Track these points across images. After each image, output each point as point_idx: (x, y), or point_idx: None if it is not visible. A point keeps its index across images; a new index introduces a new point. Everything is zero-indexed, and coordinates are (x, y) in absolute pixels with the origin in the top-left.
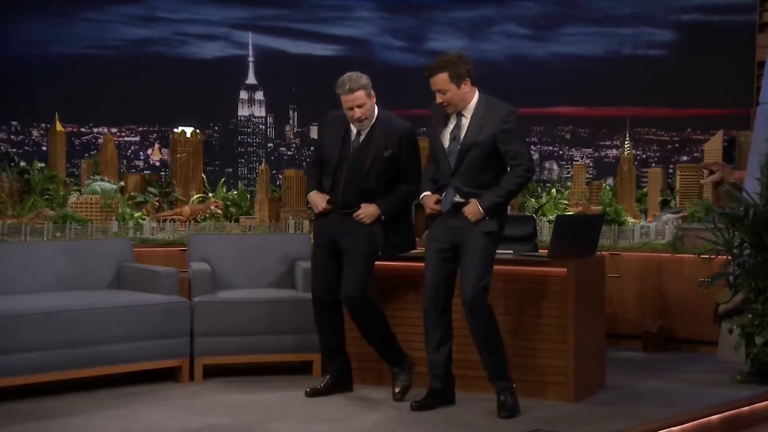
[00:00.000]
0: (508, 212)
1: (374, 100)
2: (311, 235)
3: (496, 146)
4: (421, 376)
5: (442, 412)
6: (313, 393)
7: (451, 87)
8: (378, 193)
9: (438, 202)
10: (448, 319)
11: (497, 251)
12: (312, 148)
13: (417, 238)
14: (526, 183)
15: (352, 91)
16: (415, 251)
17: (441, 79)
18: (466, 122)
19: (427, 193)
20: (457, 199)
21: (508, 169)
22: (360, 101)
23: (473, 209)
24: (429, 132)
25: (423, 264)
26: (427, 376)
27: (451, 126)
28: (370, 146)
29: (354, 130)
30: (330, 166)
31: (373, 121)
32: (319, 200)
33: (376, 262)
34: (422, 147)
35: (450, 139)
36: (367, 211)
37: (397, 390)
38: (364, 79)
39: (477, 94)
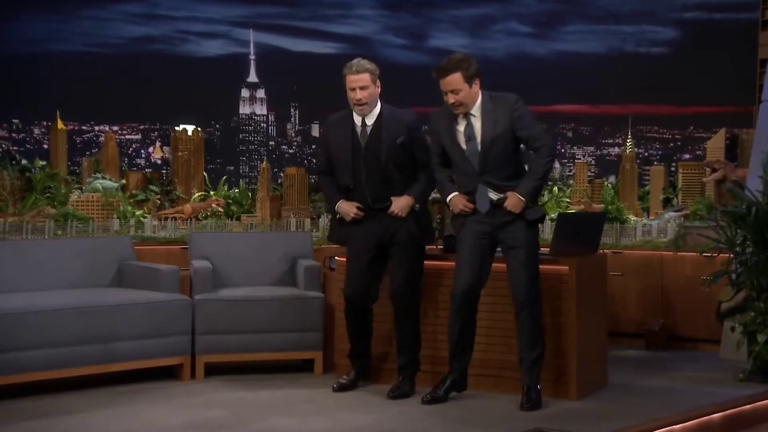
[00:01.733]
0: None
1: (379, 90)
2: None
3: (513, 136)
4: (426, 375)
5: (444, 410)
6: (341, 387)
7: (464, 87)
8: (399, 181)
9: (468, 201)
10: (475, 313)
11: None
12: (313, 147)
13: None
14: (553, 161)
15: (357, 71)
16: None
17: (455, 80)
18: (477, 121)
19: (455, 193)
20: (493, 195)
21: (531, 153)
22: (363, 83)
23: (514, 201)
24: (437, 137)
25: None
26: (428, 375)
27: (461, 127)
28: (381, 136)
29: (359, 123)
30: (345, 164)
31: (377, 112)
32: (348, 208)
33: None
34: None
35: (466, 140)
36: (401, 204)
37: (392, 394)
38: (372, 65)
39: (480, 92)
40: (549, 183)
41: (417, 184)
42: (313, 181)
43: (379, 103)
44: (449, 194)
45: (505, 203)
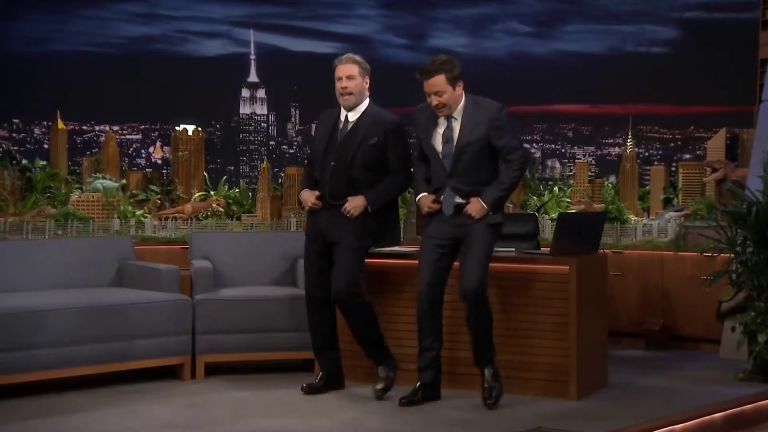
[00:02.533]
0: (509, 210)
1: (367, 86)
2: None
3: (489, 143)
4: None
5: (439, 409)
6: (309, 389)
7: (447, 89)
8: (364, 183)
9: (435, 202)
10: (441, 315)
11: (499, 249)
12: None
13: (418, 236)
14: (522, 174)
15: (346, 62)
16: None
17: (438, 81)
18: (456, 124)
19: (424, 193)
20: (459, 200)
21: (503, 163)
22: (351, 72)
23: (477, 206)
24: (417, 135)
25: (414, 261)
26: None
27: (441, 128)
28: (356, 134)
29: (343, 119)
30: (318, 157)
31: (362, 109)
32: (307, 196)
33: (367, 259)
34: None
35: (443, 141)
36: (354, 204)
37: (378, 387)
38: (363, 60)
39: (464, 95)
40: (550, 183)
41: (378, 187)
42: None
43: (366, 102)
44: (419, 194)
45: (467, 207)
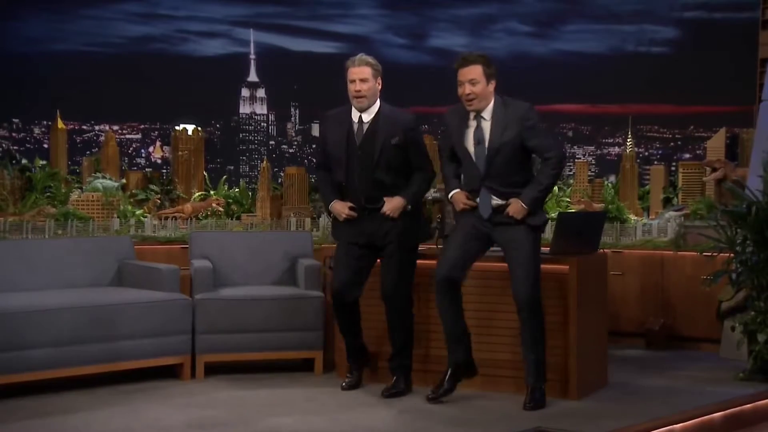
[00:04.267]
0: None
1: (380, 86)
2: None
3: (522, 144)
4: (418, 375)
5: (445, 410)
6: (349, 386)
7: (482, 80)
8: (391, 183)
9: (469, 198)
10: (460, 294)
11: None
12: (314, 146)
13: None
14: (561, 172)
15: (359, 64)
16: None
17: (476, 70)
18: (487, 125)
19: (457, 190)
20: (497, 201)
21: (541, 163)
22: (364, 75)
23: (517, 207)
24: (448, 137)
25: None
26: (421, 374)
27: (471, 129)
28: (376, 136)
29: (356, 120)
30: (340, 162)
31: (376, 109)
32: (341, 208)
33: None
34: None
35: (474, 143)
36: (393, 205)
37: (386, 393)
38: (375, 61)
39: (494, 95)
40: None
41: (410, 185)
42: (313, 180)
43: (378, 102)
44: (452, 191)
45: (508, 209)
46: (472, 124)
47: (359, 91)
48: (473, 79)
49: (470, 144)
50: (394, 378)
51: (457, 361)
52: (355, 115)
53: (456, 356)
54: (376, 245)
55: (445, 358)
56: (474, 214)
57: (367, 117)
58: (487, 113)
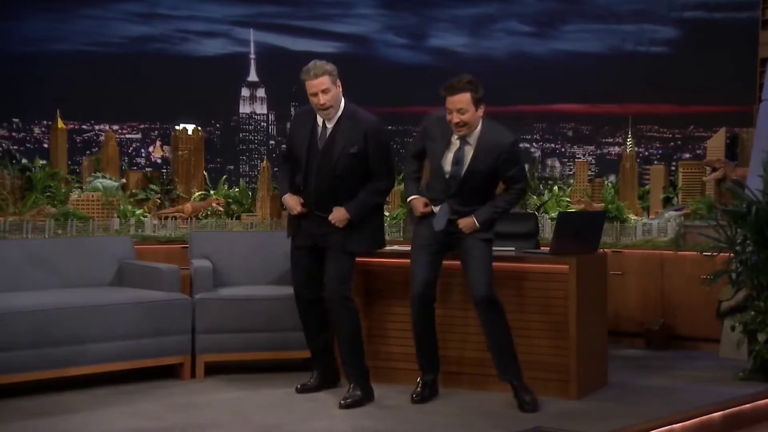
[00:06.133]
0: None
1: (340, 89)
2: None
3: (496, 172)
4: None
5: (444, 409)
6: (304, 389)
7: (471, 108)
8: (348, 191)
9: (426, 205)
10: (434, 311)
11: (499, 248)
12: None
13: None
14: (518, 203)
15: (316, 76)
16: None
17: (464, 99)
18: (470, 150)
19: (416, 195)
20: (452, 216)
21: (505, 188)
22: (324, 86)
23: (469, 223)
24: (423, 142)
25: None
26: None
27: (453, 148)
28: (335, 143)
29: (320, 123)
30: (300, 163)
31: (339, 113)
32: (293, 203)
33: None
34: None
35: (453, 162)
36: (337, 216)
37: (343, 402)
38: (329, 66)
39: (482, 119)
40: (549, 182)
41: (360, 197)
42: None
43: (342, 103)
44: (410, 195)
45: (459, 221)
46: (455, 143)
47: (324, 104)
48: (461, 108)
49: (448, 163)
50: (351, 385)
51: (427, 381)
52: (319, 118)
53: (431, 367)
54: (318, 246)
55: (451, 358)
56: (428, 220)
57: (330, 122)
58: (472, 138)
